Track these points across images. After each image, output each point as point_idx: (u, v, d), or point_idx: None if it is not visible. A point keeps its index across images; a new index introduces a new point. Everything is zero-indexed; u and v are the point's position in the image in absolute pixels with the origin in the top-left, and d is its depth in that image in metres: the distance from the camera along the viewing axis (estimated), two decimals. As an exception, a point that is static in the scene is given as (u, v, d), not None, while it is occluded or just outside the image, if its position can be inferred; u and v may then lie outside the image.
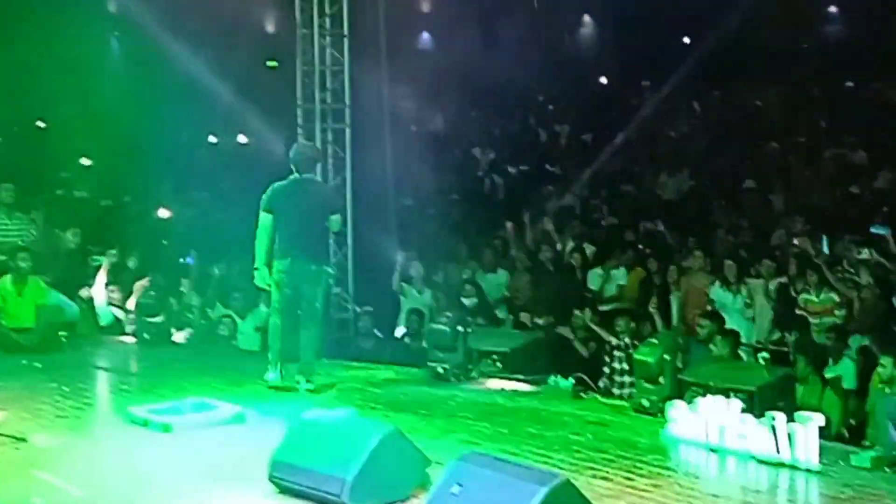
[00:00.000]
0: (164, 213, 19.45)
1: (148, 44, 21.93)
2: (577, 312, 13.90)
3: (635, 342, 12.32)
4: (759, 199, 19.27)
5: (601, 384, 12.24)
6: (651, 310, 13.90)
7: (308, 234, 11.07)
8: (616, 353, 12.62)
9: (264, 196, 11.17)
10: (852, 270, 14.64)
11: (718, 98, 26.60)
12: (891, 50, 23.45)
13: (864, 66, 24.73)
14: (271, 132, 19.17)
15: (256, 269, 11.15)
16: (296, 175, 11.12)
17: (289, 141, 16.69)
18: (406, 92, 20.33)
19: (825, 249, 15.22)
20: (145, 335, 13.97)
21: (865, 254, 14.55)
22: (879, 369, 10.22)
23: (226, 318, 14.62)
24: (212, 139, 25.17)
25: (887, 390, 9.93)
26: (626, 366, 12.32)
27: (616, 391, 12.31)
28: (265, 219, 11.10)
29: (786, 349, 13.09)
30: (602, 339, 13.26)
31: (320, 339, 11.37)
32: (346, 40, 16.23)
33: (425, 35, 30.69)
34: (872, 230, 15.25)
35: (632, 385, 11.41)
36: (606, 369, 12.69)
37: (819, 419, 8.83)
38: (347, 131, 16.29)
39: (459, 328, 11.93)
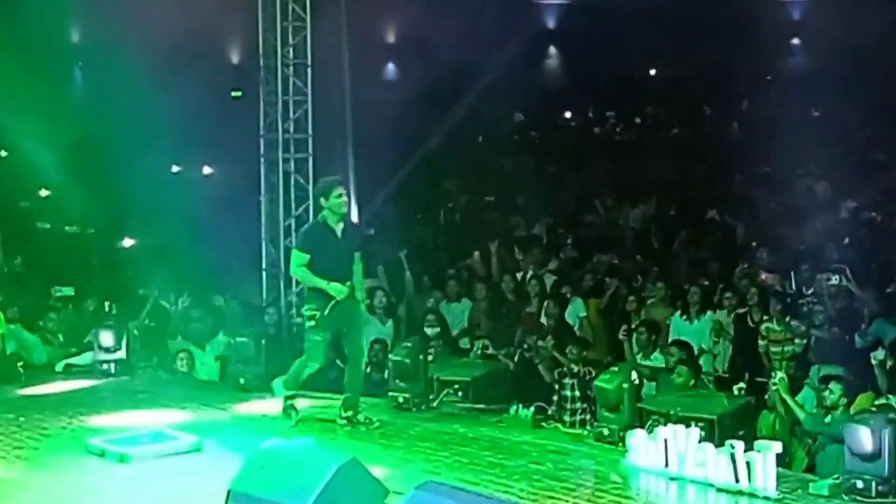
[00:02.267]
0: (128, 242, 19.40)
1: (111, 73, 21.93)
2: (540, 342, 13.90)
3: (588, 369, 12.33)
4: (723, 230, 19.39)
5: (550, 411, 12.17)
6: (621, 337, 13.91)
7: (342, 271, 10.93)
8: (566, 380, 12.59)
9: (299, 235, 11.26)
10: (815, 300, 14.74)
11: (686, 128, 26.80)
12: (853, 79, 23.75)
13: (828, 95, 24.99)
14: (235, 162, 19.17)
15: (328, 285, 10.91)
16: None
17: (251, 171, 16.87)
18: (370, 121, 20.33)
19: (792, 283, 15.34)
20: (103, 366, 13.86)
21: (835, 280, 14.63)
22: (826, 393, 10.29)
23: (183, 353, 14.51)
24: (175, 168, 25.12)
25: (827, 418, 10.02)
26: (577, 392, 12.29)
27: (567, 418, 12.26)
28: (301, 259, 11.00)
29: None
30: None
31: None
32: (308, 70, 16.26)
33: (390, 66, 30.82)
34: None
35: (583, 412, 11.45)
36: (555, 396, 12.63)
37: (777, 447, 8.87)
38: (310, 161, 16.29)
39: (421, 357, 11.91)
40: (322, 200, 11.04)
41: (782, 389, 10.42)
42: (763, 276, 15.60)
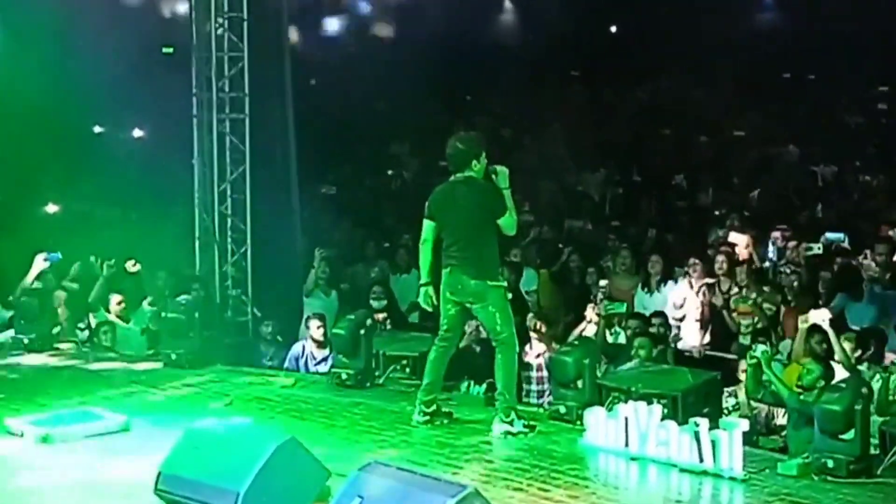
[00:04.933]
0: (52, 208, 19.23)
1: (28, 25, 21.63)
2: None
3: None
4: (690, 197, 19.51)
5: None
6: (590, 318, 13.88)
7: (465, 242, 10.11)
8: (527, 358, 12.59)
9: (427, 200, 10.42)
10: (788, 271, 14.86)
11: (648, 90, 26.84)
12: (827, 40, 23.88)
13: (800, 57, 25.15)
14: (166, 123, 19.00)
15: (421, 285, 10.43)
16: (452, 176, 10.26)
17: (184, 133, 16.71)
18: (312, 80, 20.25)
19: (771, 253, 15.44)
20: (25, 339, 13.75)
21: (816, 249, 14.74)
22: (803, 372, 10.36)
23: (106, 326, 14.40)
24: (97, 129, 24.89)
25: (802, 396, 10.08)
26: (544, 373, 12.29)
27: (533, 400, 12.33)
28: (426, 227, 10.35)
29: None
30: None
31: (512, 365, 10.22)
32: (245, 24, 16.11)
33: (334, 20, 30.63)
34: (828, 236, 15.48)
35: (550, 394, 11.44)
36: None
37: (744, 425, 8.93)
38: (247, 121, 16.18)
39: (363, 332, 11.88)
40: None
41: (763, 363, 10.45)
42: (733, 242, 15.63)
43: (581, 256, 15.93)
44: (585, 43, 28.64)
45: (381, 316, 14.27)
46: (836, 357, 11.26)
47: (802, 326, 11.68)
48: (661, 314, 13.57)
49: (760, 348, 10.82)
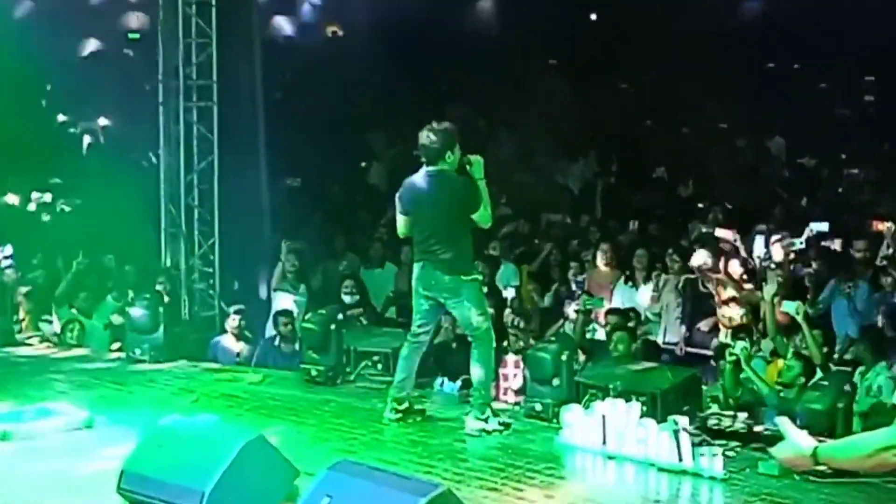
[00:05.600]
0: (11, 199, 19.19)
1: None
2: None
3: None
4: (671, 189, 19.54)
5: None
6: (569, 314, 13.92)
7: (438, 237, 10.02)
8: (506, 356, 12.58)
9: (397, 194, 10.38)
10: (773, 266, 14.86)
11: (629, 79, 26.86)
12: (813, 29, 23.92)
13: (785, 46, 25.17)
14: (131, 111, 18.99)
15: None
16: (425, 168, 10.13)
17: (151, 121, 16.67)
18: (283, 67, 20.21)
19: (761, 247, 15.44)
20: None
21: (799, 244, 14.75)
22: (784, 370, 10.40)
23: (72, 323, 14.39)
24: (61, 118, 24.84)
25: (782, 393, 10.11)
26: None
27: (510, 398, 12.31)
28: (402, 223, 10.34)
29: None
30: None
31: (488, 361, 10.16)
32: (213, 9, 16.08)
33: (306, 5, 30.59)
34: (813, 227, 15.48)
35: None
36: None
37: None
38: (215, 110, 16.14)
39: (334, 327, 11.88)
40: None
41: (743, 360, 10.48)
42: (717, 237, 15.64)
43: (561, 251, 15.94)
44: (565, 30, 28.59)
45: (357, 311, 14.28)
46: (807, 350, 11.32)
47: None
48: (633, 310, 13.62)
49: (740, 345, 10.87)
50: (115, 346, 13.96)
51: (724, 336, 13.17)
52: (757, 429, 9.60)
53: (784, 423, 4.99)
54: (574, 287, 14.75)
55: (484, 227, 10.29)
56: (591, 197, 20.22)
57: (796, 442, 4.88)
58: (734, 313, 13.44)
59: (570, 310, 13.46)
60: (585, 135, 23.23)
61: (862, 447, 4.74)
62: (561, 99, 25.39)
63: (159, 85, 16.31)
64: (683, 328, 14.08)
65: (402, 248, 16.40)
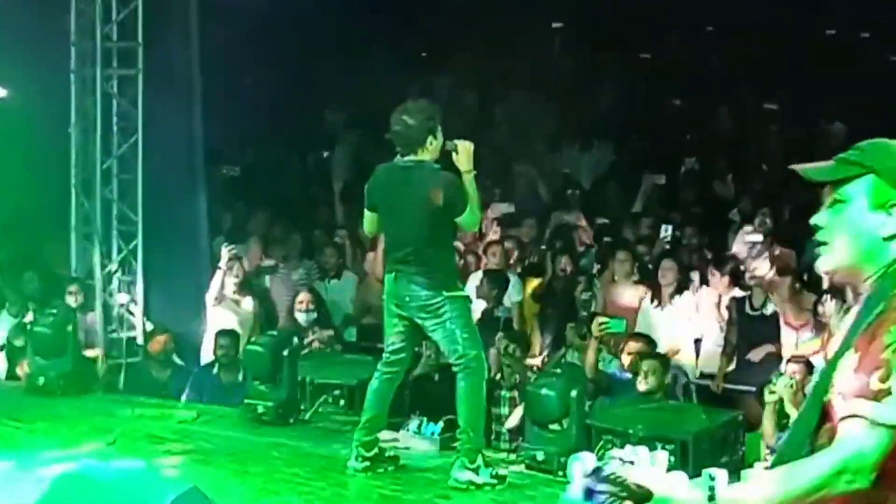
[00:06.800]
0: None
1: None
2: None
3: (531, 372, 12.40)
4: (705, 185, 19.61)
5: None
6: (577, 341, 13.85)
7: (415, 243, 9.98)
8: (500, 391, 12.57)
9: (366, 186, 10.36)
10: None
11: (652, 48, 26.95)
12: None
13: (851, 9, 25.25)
14: (36, 79, 18.92)
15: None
16: (399, 158, 10.09)
17: (61, 92, 16.65)
18: (224, 29, 20.18)
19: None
20: None
21: None
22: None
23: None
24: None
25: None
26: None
27: (503, 445, 12.29)
28: (369, 220, 10.38)
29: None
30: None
31: (478, 397, 10.05)
32: (137, -44, 16.11)
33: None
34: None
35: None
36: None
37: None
38: (139, 78, 16.12)
39: (286, 353, 11.86)
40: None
41: (786, 399, 10.48)
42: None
43: (572, 260, 15.92)
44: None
45: (326, 334, 14.29)
46: None
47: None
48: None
49: (783, 381, 10.80)
50: (14, 371, 13.96)
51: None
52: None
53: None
54: (580, 306, 14.76)
55: (468, 231, 10.27)
56: (604, 193, 20.25)
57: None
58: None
59: (572, 336, 13.44)
60: (598, 116, 23.30)
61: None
62: (568, 71, 25.46)
63: (71, 48, 16.26)
64: (725, 359, 14.03)
65: (367, 254, 16.45)
